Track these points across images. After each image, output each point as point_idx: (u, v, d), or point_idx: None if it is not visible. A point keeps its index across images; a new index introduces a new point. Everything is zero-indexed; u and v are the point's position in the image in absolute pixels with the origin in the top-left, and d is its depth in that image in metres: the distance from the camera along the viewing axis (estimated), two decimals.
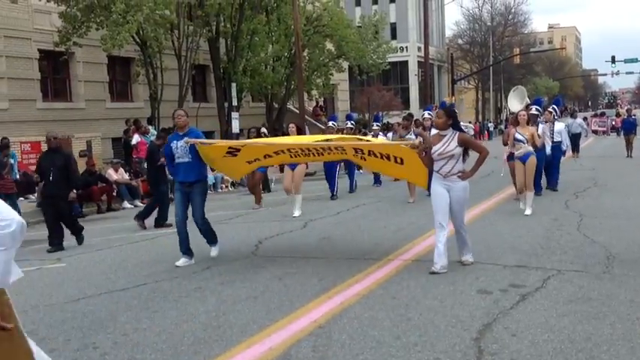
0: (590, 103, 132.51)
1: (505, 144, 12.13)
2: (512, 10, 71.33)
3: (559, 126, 14.80)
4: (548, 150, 13.31)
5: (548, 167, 13.83)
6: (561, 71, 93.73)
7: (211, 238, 8.67)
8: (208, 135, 27.81)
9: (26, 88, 21.28)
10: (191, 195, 8.34)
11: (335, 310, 5.79)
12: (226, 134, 25.11)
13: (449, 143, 6.95)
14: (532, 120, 12.23)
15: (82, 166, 18.15)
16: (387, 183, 18.13)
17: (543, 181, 13.95)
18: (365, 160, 8.90)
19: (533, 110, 13.17)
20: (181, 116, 8.46)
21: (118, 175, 17.53)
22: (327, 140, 8.81)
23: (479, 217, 11.02)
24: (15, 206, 14.04)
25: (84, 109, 23.31)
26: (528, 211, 11.01)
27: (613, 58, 62.88)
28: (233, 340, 5.14)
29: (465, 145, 7.10)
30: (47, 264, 9.05)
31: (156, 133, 17.63)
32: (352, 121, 19.40)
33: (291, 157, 9.14)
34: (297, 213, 12.27)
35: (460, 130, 7.13)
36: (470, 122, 50.17)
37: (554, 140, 14.17)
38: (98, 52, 21.77)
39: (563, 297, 5.93)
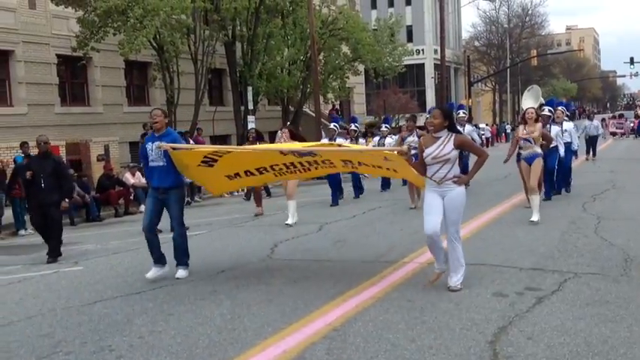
0: (608, 105, 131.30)
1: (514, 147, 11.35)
2: (529, 12, 71.18)
3: (567, 125, 14.30)
4: (562, 152, 13.01)
5: (560, 169, 13.54)
6: (579, 73, 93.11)
7: (182, 256, 7.83)
8: (224, 138, 28.06)
9: (44, 93, 21.46)
10: (167, 203, 7.73)
11: (350, 313, 5.79)
12: (242, 138, 25.18)
13: (444, 146, 6.33)
14: (545, 121, 12.01)
15: (99, 170, 18.39)
16: (398, 187, 18.06)
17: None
18: (357, 169, 8.74)
19: (546, 111, 12.97)
20: (157, 116, 7.72)
21: (135, 178, 17.67)
22: (310, 148, 8.27)
23: (495, 220, 10.97)
24: (23, 210, 14.17)
25: (101, 114, 23.49)
26: (535, 217, 10.32)
27: (632, 59, 62.33)
28: (248, 343, 5.16)
29: (462, 148, 6.58)
30: (64, 267, 9.14)
31: None
32: (356, 124, 19.75)
33: (275, 175, 8.37)
34: (290, 220, 11.65)
35: (457, 131, 6.52)
36: (487, 124, 50.12)
37: (564, 141, 13.51)
38: (115, 57, 21.96)
39: (579, 300, 5.88)
